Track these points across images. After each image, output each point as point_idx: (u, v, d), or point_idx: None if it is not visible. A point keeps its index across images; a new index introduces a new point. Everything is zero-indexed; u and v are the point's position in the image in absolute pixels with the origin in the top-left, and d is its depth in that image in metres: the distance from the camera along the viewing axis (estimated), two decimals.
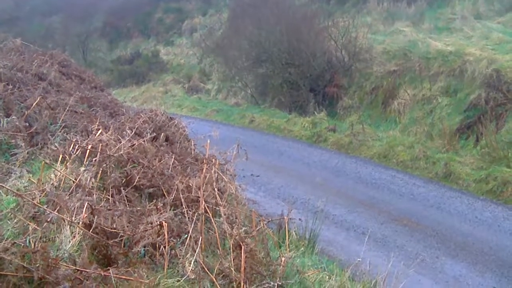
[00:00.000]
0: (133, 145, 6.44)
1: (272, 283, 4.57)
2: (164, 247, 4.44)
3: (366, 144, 16.38)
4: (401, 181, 13.42)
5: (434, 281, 8.50)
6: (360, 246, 8.63)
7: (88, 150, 5.90)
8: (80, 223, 4.32)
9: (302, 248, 7.23)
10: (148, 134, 7.32)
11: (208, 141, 7.21)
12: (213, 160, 7.16)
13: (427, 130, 16.49)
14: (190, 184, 5.91)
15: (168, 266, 4.36)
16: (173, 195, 5.65)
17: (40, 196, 4.78)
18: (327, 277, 5.85)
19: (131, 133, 6.85)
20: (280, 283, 4.66)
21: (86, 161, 5.78)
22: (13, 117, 7.00)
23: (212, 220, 5.13)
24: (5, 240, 3.90)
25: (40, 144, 6.67)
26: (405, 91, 18.45)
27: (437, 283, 8.46)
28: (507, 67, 16.07)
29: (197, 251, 4.48)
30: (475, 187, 12.73)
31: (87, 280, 3.77)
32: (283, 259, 5.04)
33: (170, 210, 5.24)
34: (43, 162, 5.33)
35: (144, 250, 4.43)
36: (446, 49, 18.89)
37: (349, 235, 10.17)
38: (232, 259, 4.57)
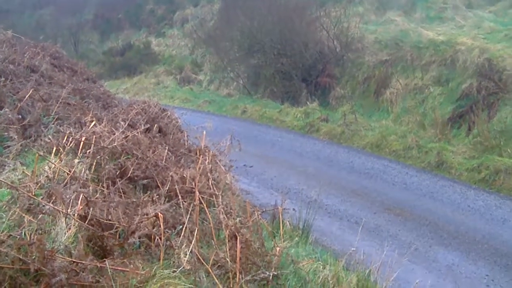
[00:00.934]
0: (127, 136, 6.45)
1: (267, 273, 4.59)
2: (160, 238, 4.46)
3: (359, 134, 16.42)
4: (394, 170, 13.46)
5: (427, 270, 8.53)
6: (354, 235, 8.65)
7: (81, 142, 5.90)
8: (76, 215, 4.32)
9: (296, 238, 7.24)
10: (142, 125, 7.32)
11: (204, 132, 7.23)
12: (207, 151, 7.18)
13: (420, 119, 16.52)
14: (185, 175, 5.92)
15: (163, 257, 4.37)
16: (168, 186, 5.66)
17: (35, 188, 4.78)
18: (322, 266, 5.86)
19: (124, 124, 6.86)
20: (275, 273, 4.68)
21: (80, 153, 5.78)
22: (6, 109, 6.98)
23: (207, 211, 5.15)
24: (1, 233, 3.91)
25: (34, 136, 6.66)
26: (397, 80, 18.47)
27: (431, 272, 8.49)
28: (498, 56, 16.13)
29: (192, 242, 4.49)
30: (467, 176, 12.79)
31: (83, 271, 3.78)
32: (278, 249, 5.06)
33: (165, 201, 5.25)
34: (37, 155, 5.33)
35: (139, 241, 4.44)
36: (437, 39, 18.94)
37: (343, 224, 10.19)
38: (227, 250, 4.58)
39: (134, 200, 5.09)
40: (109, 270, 3.89)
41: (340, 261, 6.20)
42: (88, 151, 5.81)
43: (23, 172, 5.32)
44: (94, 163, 5.62)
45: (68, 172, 5.16)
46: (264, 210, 6.77)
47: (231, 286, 4.33)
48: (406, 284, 7.11)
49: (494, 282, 8.29)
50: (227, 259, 4.51)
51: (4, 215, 4.27)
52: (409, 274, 7.75)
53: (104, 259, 4.06)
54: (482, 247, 9.41)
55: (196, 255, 4.39)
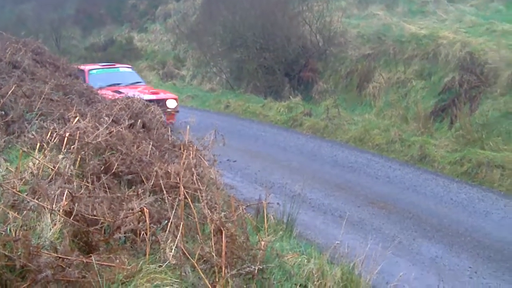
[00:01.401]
0: (111, 132, 6.43)
1: (252, 267, 4.60)
2: (145, 233, 4.46)
3: (342, 128, 16.47)
4: (377, 164, 13.52)
5: (411, 263, 8.57)
6: (338, 229, 8.68)
7: (65, 138, 5.88)
8: (61, 210, 4.31)
9: (281, 232, 7.26)
10: (126, 121, 7.31)
11: (188, 127, 7.23)
12: (191, 146, 7.18)
13: (402, 113, 16.61)
14: (169, 170, 5.92)
15: (149, 252, 4.37)
16: (152, 181, 5.65)
17: (19, 184, 4.76)
18: (306, 260, 5.89)
19: (108, 120, 6.84)
20: (260, 267, 4.70)
21: (64, 149, 5.75)
22: None
23: (192, 206, 5.15)
24: None
25: (17, 132, 6.63)
26: (380, 74, 18.55)
27: (414, 264, 8.53)
28: (480, 49, 16.25)
29: (177, 237, 4.50)
30: (450, 169, 12.87)
31: (69, 267, 3.77)
32: (262, 243, 5.08)
33: (149, 196, 5.25)
34: (21, 151, 5.30)
35: (125, 236, 4.44)
36: (420, 33, 19.04)
37: (327, 218, 10.21)
38: (212, 244, 4.59)
39: (119, 195, 5.08)
40: (95, 266, 3.88)
41: (324, 255, 6.22)
42: (72, 146, 5.79)
43: (7, 168, 5.29)
44: (79, 159, 5.61)
45: (53, 168, 5.14)
46: (248, 204, 6.77)
47: (217, 280, 4.34)
48: (390, 277, 7.14)
49: (477, 274, 8.35)
50: (213, 253, 4.52)
51: None
52: (393, 267, 7.78)
53: (90, 254, 4.05)
54: (465, 239, 9.47)
55: (182, 249, 4.40)
